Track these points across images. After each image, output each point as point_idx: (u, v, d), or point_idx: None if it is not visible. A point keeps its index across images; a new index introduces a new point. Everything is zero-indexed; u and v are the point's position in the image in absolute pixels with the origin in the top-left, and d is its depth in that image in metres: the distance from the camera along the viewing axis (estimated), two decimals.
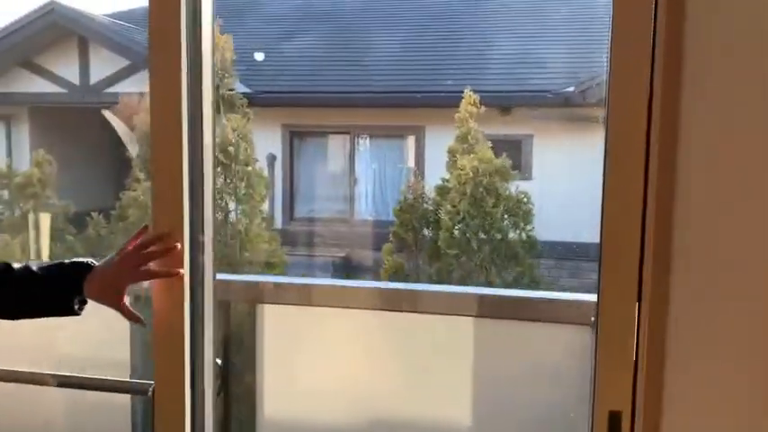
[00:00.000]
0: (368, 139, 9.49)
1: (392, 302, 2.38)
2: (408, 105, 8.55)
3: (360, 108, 8.90)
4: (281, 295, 2.50)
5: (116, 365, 2.43)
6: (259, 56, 8.78)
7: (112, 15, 10.24)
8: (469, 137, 6.26)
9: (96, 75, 9.33)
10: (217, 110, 5.46)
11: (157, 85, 1.49)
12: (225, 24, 8.38)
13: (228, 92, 6.69)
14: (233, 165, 6.17)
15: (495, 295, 2.63)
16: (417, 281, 5.85)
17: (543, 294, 2.73)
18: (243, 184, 6.24)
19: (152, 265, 1.45)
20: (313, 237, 9.05)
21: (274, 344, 2.44)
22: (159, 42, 1.48)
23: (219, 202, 6.08)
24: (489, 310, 2.24)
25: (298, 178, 9.37)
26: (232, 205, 6.27)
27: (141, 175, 6.17)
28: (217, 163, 6.29)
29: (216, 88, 6.13)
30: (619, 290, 1.29)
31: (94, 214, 6.68)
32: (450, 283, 5.56)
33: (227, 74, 6.53)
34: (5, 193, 6.71)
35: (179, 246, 1.46)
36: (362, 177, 9.40)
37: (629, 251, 1.27)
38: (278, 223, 9.18)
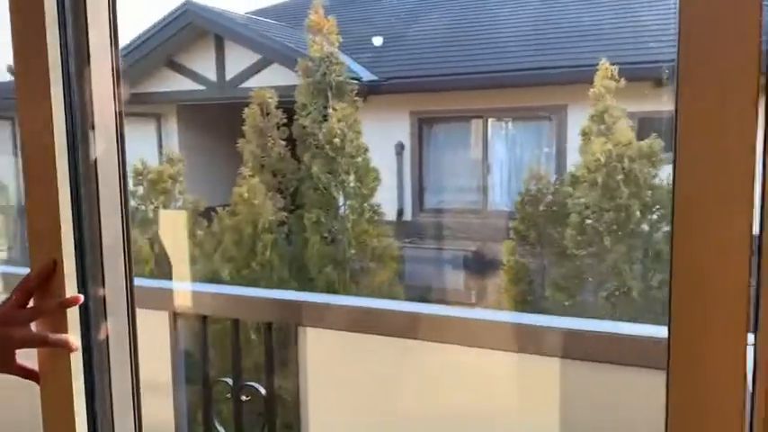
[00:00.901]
0: (503, 122, 8.78)
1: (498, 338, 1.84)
2: (545, 83, 7.72)
3: (492, 89, 8.23)
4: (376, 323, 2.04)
5: None
6: (377, 40, 8.41)
7: (248, 12, 10.48)
8: (606, 115, 5.39)
9: (232, 71, 9.56)
10: (324, 99, 5.15)
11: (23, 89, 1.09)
12: (344, 11, 8.14)
13: (337, 78, 6.38)
14: (339, 157, 5.86)
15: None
16: (542, 285, 5.15)
17: None
18: (351, 177, 5.91)
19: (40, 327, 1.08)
20: (442, 229, 8.58)
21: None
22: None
23: (323, 193, 5.81)
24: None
25: (427, 167, 8.93)
26: (341, 200, 5.98)
27: (247, 171, 6.09)
28: (322, 155, 6.02)
29: (323, 76, 5.83)
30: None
31: (219, 209, 6.74)
32: (579, 288, 4.79)
33: (334, 60, 6.21)
34: (140, 190, 7.00)
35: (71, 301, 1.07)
36: (496, 165, 8.74)
37: None
38: (407, 215, 8.84)
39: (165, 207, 6.89)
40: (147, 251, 6.28)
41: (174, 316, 2.37)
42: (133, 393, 1.16)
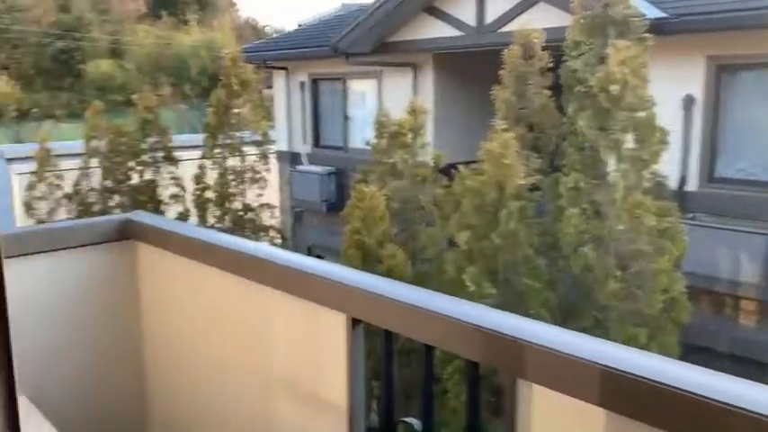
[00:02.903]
0: None
1: None
2: None
3: None
4: None
5: None
6: None
7: None
8: None
9: (493, 14, 8.65)
10: (603, 37, 3.99)
11: None
12: None
13: (624, 11, 5.05)
14: (615, 110, 4.60)
15: None
16: None
17: None
18: (628, 136, 4.63)
19: None
20: (739, 205, 6.76)
21: None
22: None
23: (589, 154, 4.59)
24: None
25: (724, 127, 7.09)
26: (612, 164, 4.74)
27: (500, 123, 5.14)
28: (592, 106, 4.82)
29: (604, 8, 4.61)
30: None
31: (462, 166, 5.99)
32: None
33: None
34: (384, 143, 6.55)
35: None
36: None
37: None
38: (691, 184, 7.18)
39: (403, 161, 6.36)
40: (382, 210, 5.81)
41: (353, 322, 1.64)
42: None
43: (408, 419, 1.62)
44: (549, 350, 1.22)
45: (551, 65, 5.92)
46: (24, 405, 1.86)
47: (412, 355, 4.95)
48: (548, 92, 5.86)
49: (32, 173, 9.15)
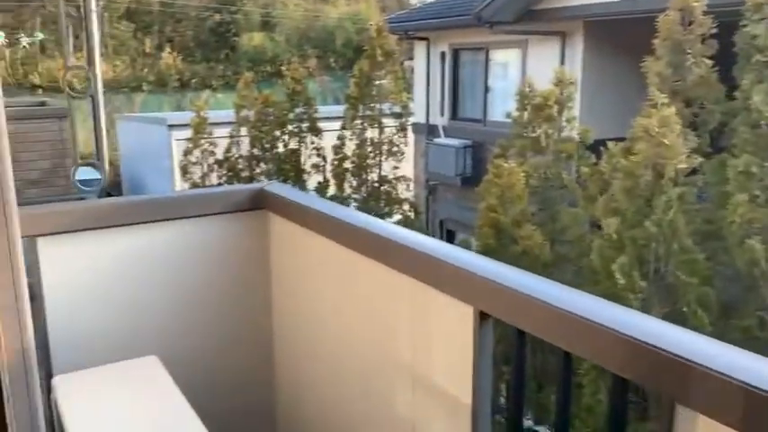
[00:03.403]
0: None
1: None
2: None
3: None
4: None
5: None
6: None
7: None
8: None
9: None
10: None
11: None
12: None
13: None
14: None
15: None
16: None
17: None
18: None
19: None
20: None
21: None
22: None
23: (765, 133, 3.99)
24: None
25: None
26: None
27: (660, 97, 4.64)
28: None
29: None
30: None
31: (611, 144, 5.54)
32: None
33: None
34: (526, 115, 6.23)
35: None
36: None
37: None
38: None
39: (547, 136, 6.00)
40: (521, 187, 5.53)
41: (481, 316, 1.49)
42: None
43: (539, 430, 1.45)
44: (725, 377, 1.00)
45: (715, 30, 5.27)
46: (154, 365, 1.92)
47: (545, 344, 4.68)
48: (709, 62, 5.23)
49: (189, 139, 9.79)
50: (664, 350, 1.08)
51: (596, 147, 5.86)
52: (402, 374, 1.74)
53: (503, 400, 4.44)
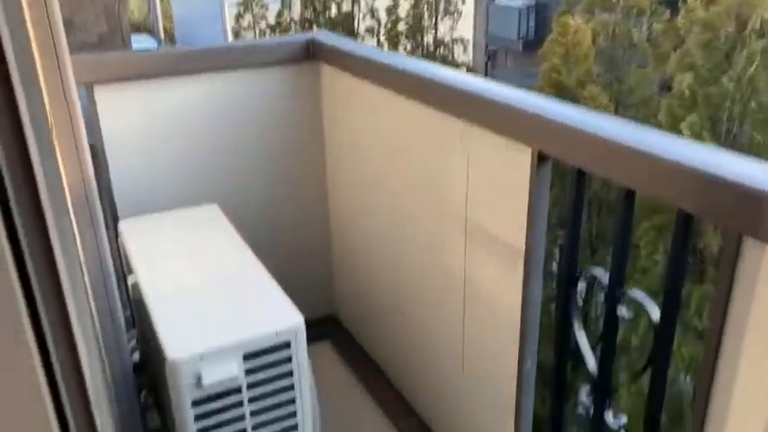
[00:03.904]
0: None
1: None
2: None
3: None
4: None
5: None
6: None
7: None
8: None
9: None
10: None
11: None
12: None
13: None
14: None
15: None
16: None
17: None
18: None
19: None
20: None
21: None
22: None
23: None
24: None
25: None
26: None
27: None
28: None
29: None
30: None
31: None
32: None
33: None
34: None
35: None
36: None
37: None
38: None
39: None
40: (588, 44, 5.20)
41: (539, 158, 1.44)
42: None
43: (594, 269, 1.44)
44: None
45: None
46: (214, 211, 1.97)
47: (602, 208, 4.62)
48: None
49: (240, 3, 9.55)
50: (733, 182, 1.02)
51: (674, 1, 5.39)
52: (453, 219, 1.74)
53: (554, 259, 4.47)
